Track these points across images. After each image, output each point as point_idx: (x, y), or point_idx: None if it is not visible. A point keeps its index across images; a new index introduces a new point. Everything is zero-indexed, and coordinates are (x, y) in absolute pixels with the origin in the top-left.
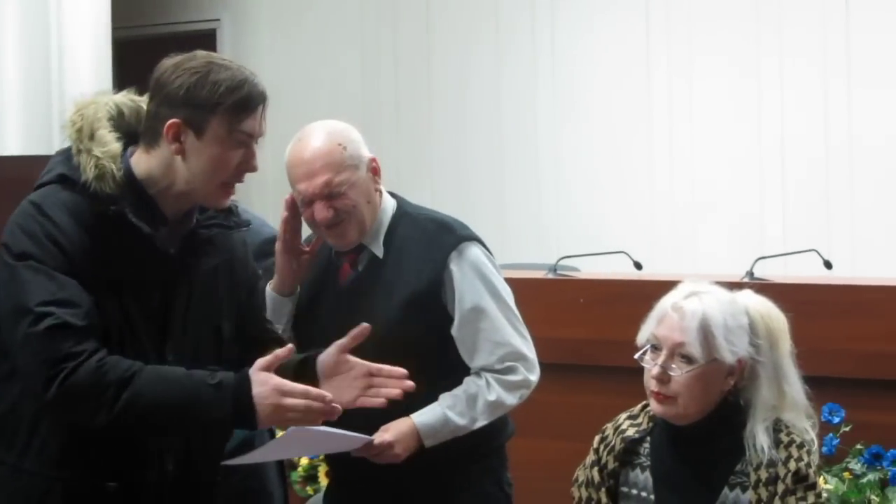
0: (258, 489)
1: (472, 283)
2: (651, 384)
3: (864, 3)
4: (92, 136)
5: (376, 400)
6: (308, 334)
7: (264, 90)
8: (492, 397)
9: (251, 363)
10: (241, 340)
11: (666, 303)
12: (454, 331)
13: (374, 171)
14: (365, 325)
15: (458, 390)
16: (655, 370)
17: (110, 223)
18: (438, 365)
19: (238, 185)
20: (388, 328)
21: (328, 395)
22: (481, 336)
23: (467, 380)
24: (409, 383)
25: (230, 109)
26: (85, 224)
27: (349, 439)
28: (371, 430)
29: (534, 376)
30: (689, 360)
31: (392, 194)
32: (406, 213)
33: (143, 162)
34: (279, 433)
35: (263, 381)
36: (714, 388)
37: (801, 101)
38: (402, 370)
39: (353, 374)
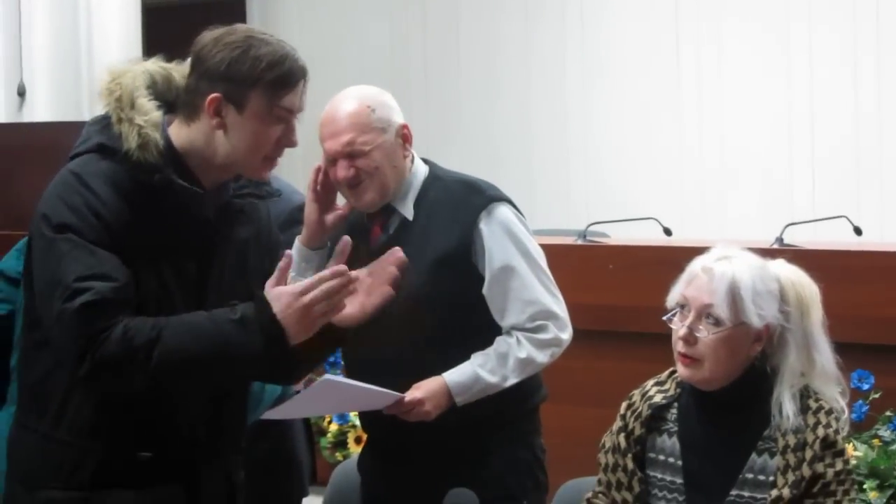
0: (287, 457)
1: (501, 242)
2: (678, 345)
3: None
4: (132, 105)
5: (385, 289)
6: None
7: (304, 65)
8: (522, 355)
9: None
10: None
11: (696, 264)
12: (485, 290)
13: (405, 137)
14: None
15: (489, 349)
16: (682, 331)
17: (151, 192)
18: (470, 325)
19: None
20: (420, 289)
21: (340, 266)
22: (511, 295)
23: (498, 339)
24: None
25: (271, 85)
26: (125, 194)
27: (380, 396)
28: (403, 388)
29: (565, 335)
30: (716, 322)
31: (425, 160)
32: (437, 178)
33: (182, 134)
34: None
35: (278, 295)
36: (740, 352)
37: (830, 67)
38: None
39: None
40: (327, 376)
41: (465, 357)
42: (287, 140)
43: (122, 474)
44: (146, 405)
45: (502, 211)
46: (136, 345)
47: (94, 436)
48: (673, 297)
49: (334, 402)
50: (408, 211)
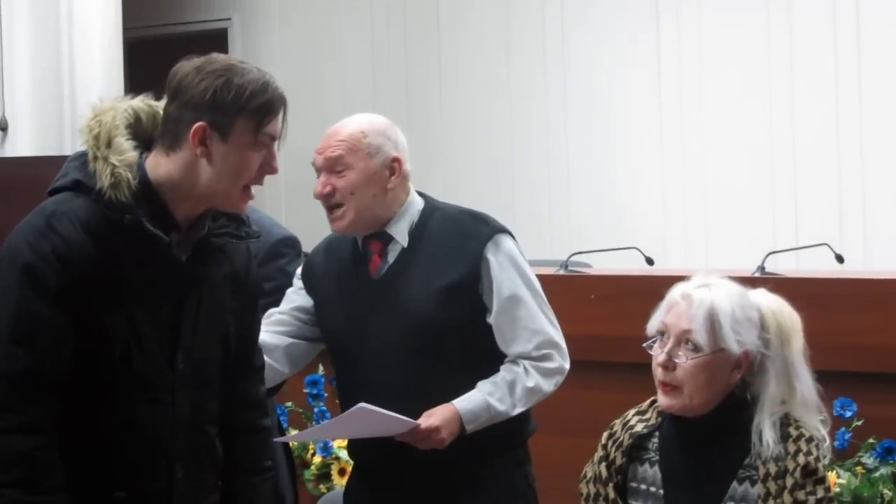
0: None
1: (508, 273)
2: (657, 372)
3: None
4: (109, 144)
5: None
6: (336, 325)
7: (283, 93)
8: (530, 384)
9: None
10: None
11: (676, 292)
12: (492, 318)
13: (393, 169)
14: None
15: (496, 377)
16: (661, 357)
17: (123, 232)
18: (474, 352)
19: (252, 186)
20: (426, 317)
21: None
22: (518, 324)
23: (504, 367)
24: None
25: (255, 112)
26: (97, 234)
27: (398, 422)
28: (404, 414)
29: (567, 364)
30: (695, 348)
31: (420, 193)
32: (436, 208)
33: (161, 165)
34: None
35: None
36: (719, 379)
37: (811, 95)
38: None
39: None
40: (362, 404)
41: (467, 384)
42: (269, 167)
43: None
44: (125, 443)
45: (507, 243)
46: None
47: (71, 478)
48: (653, 325)
49: (357, 427)
50: (402, 237)
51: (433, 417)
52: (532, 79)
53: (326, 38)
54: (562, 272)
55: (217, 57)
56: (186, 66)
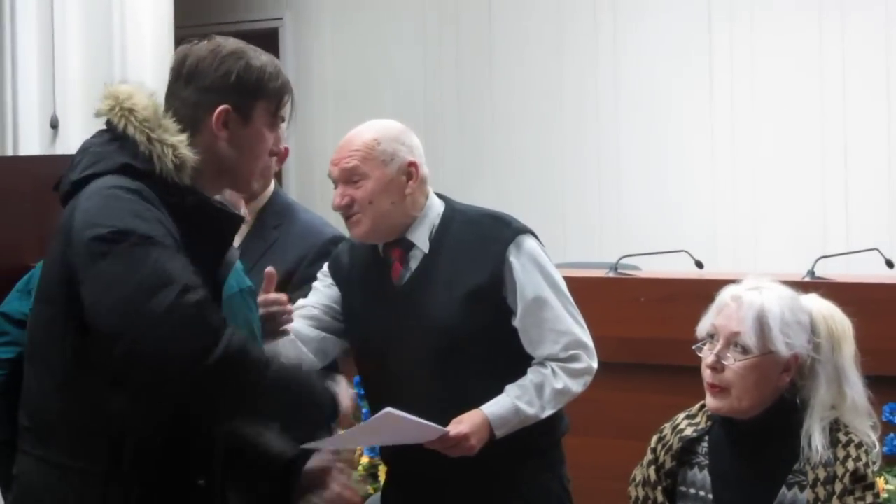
0: None
1: (531, 275)
2: (706, 374)
3: None
4: (160, 125)
5: None
6: (362, 333)
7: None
8: (559, 385)
9: None
10: None
11: (726, 294)
12: (517, 322)
13: (410, 174)
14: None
15: (524, 380)
16: (710, 359)
17: (183, 215)
18: (501, 356)
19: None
20: (451, 323)
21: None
22: (545, 326)
23: (532, 370)
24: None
25: (274, 94)
26: (170, 213)
27: (427, 429)
28: (433, 421)
29: (595, 363)
30: (744, 350)
31: (440, 195)
32: (456, 211)
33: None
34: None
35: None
36: (768, 381)
37: (863, 99)
38: None
39: None
40: (388, 409)
41: (494, 389)
42: (277, 148)
43: None
44: (193, 432)
45: (529, 243)
46: (258, 354)
47: (156, 468)
48: (703, 327)
49: (385, 434)
50: (423, 244)
51: (462, 424)
52: (583, 82)
53: (378, 37)
54: (611, 274)
55: (222, 38)
56: (199, 49)
